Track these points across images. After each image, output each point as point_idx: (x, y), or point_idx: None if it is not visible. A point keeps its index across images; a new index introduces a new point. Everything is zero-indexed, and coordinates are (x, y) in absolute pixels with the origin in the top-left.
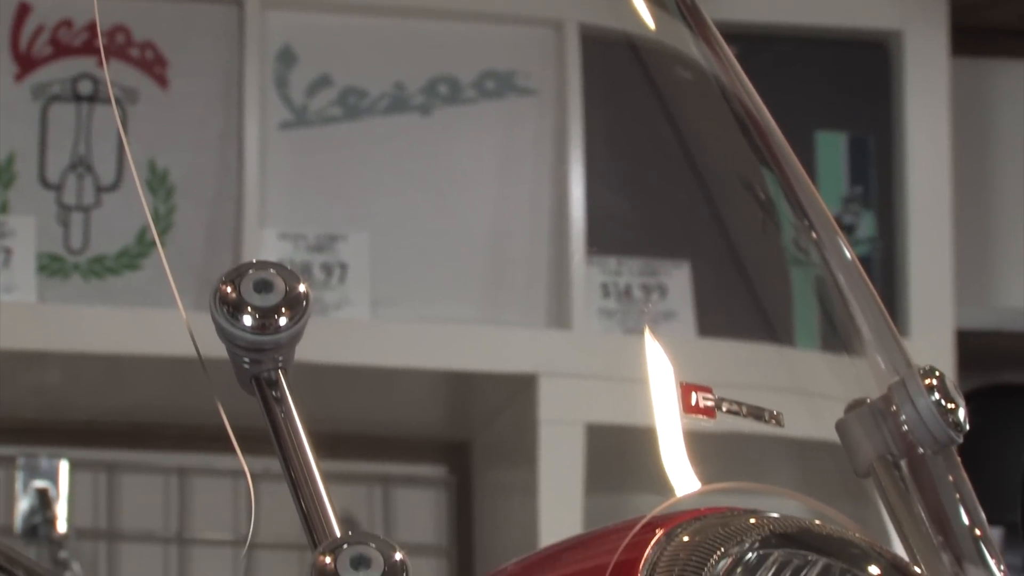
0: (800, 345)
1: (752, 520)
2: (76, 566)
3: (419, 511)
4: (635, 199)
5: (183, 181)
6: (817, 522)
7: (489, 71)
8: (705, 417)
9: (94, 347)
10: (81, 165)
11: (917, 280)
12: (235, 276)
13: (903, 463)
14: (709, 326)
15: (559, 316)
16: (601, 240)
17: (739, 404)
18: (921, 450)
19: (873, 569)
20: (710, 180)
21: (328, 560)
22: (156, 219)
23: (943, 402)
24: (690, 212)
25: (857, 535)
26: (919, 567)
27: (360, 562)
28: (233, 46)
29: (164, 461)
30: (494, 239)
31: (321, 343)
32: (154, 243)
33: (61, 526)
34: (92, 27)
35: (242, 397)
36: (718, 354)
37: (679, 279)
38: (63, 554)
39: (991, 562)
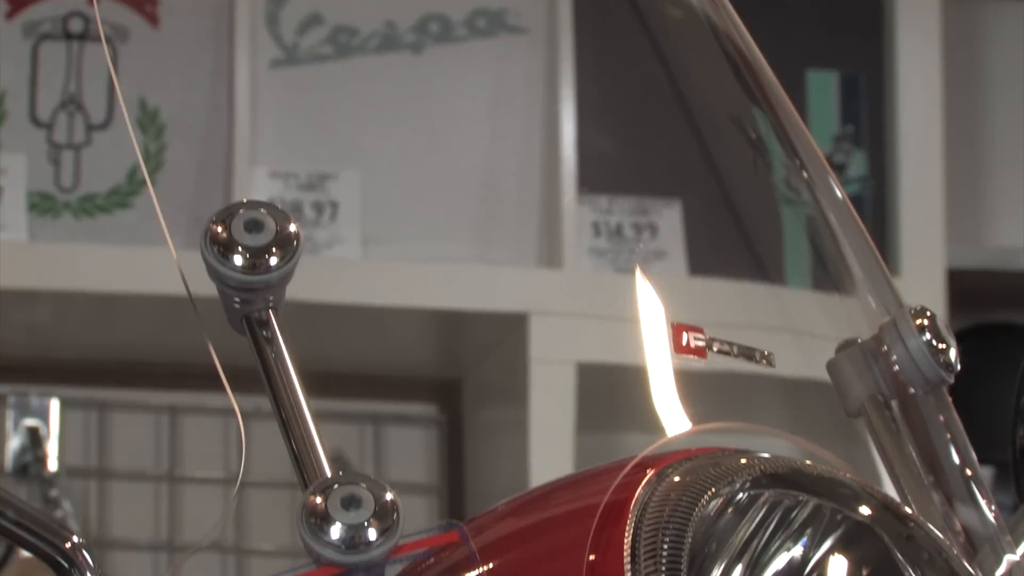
0: (791, 284)
1: (743, 460)
2: (67, 504)
3: (409, 450)
4: (626, 138)
5: (173, 119)
6: (808, 462)
7: (480, 9)
8: (696, 357)
9: (85, 285)
10: (72, 103)
11: (908, 219)
12: (226, 216)
13: (894, 403)
14: (700, 265)
15: (550, 255)
16: (592, 179)
17: (730, 344)
18: (912, 390)
19: (864, 509)
20: (701, 119)
21: (319, 500)
22: (147, 158)
23: (934, 342)
24: (681, 151)
25: (848, 475)
26: (909, 507)
27: (351, 502)
28: None
29: (155, 400)
30: (485, 178)
31: (311, 282)
32: (145, 182)
33: (52, 465)
34: None
35: (233, 335)
36: (709, 293)
37: (670, 218)
38: (54, 492)
39: (981, 502)
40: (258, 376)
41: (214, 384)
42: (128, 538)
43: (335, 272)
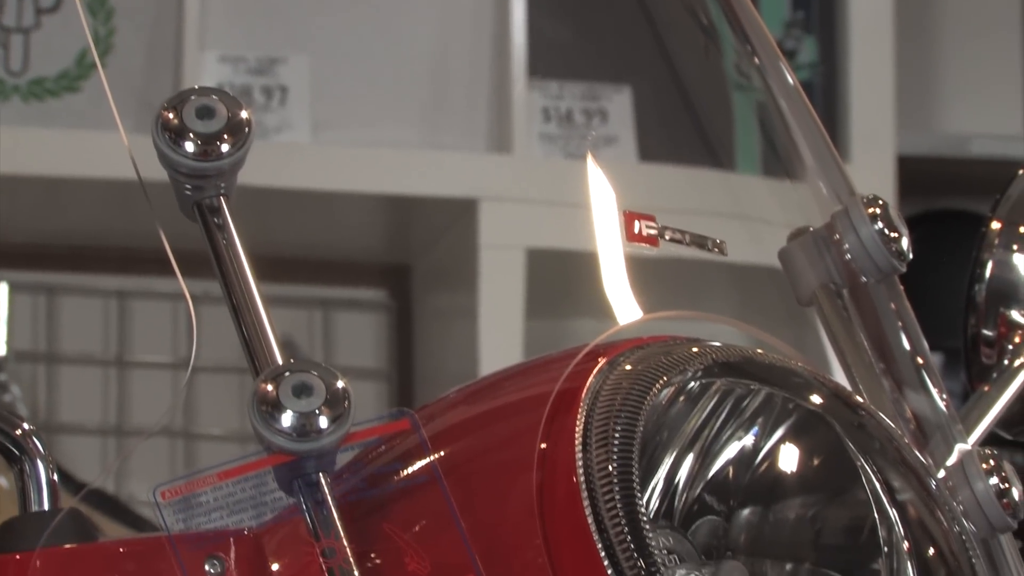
0: (742, 171)
1: (694, 349)
2: (15, 389)
3: (359, 335)
4: (577, 23)
5: (123, 3)
6: (759, 351)
7: None
8: (648, 245)
9: (34, 169)
10: None
11: (858, 106)
12: (177, 102)
13: (845, 292)
14: (650, 151)
15: (500, 140)
16: (542, 64)
17: (682, 232)
18: (864, 279)
19: (815, 398)
20: (652, 4)
21: (270, 388)
22: (96, 41)
23: (886, 231)
24: (632, 37)
25: (799, 364)
26: (861, 395)
27: (302, 390)
28: None
29: (104, 284)
30: (435, 62)
31: (261, 166)
32: (94, 65)
33: (0, 349)
34: None
35: (182, 219)
36: (660, 179)
37: (620, 104)
38: (2, 377)
39: (932, 390)
40: (208, 262)
41: (163, 268)
42: (77, 423)
43: (284, 157)
